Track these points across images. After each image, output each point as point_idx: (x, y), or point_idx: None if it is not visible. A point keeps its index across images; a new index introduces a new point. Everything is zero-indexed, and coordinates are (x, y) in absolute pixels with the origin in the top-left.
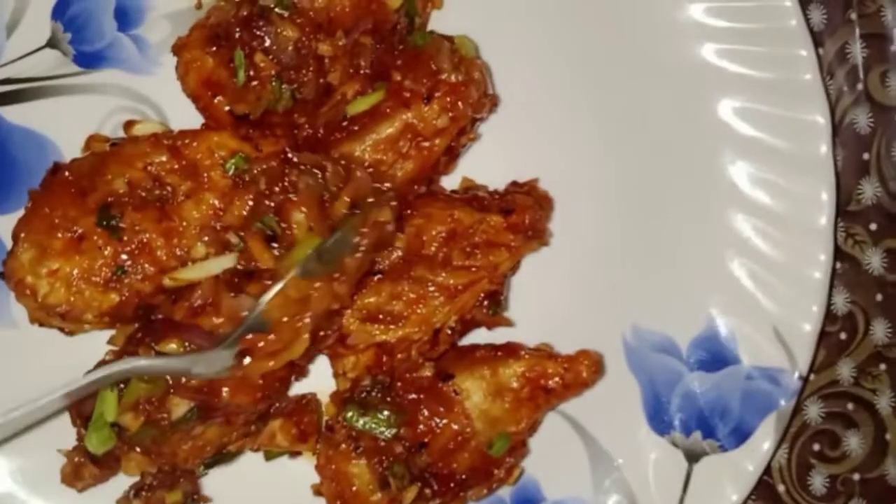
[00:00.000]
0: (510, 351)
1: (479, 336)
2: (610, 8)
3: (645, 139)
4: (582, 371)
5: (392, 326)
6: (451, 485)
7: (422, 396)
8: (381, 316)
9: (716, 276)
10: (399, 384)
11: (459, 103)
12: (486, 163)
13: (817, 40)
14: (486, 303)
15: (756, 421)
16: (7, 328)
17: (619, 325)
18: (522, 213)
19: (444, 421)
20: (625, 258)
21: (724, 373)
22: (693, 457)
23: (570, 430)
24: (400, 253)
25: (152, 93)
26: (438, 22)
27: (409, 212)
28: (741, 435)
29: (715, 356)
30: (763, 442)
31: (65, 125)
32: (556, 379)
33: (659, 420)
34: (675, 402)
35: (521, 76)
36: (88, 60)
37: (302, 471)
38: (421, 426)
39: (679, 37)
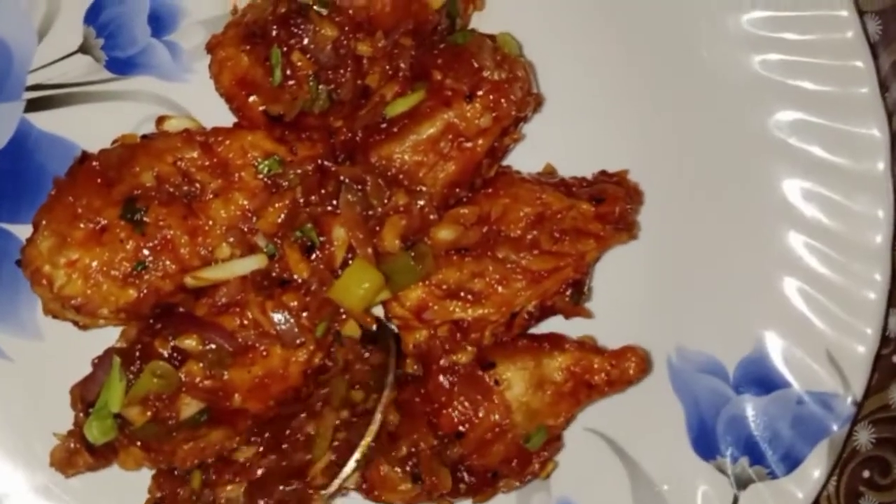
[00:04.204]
0: (556, 343)
1: None
2: (658, 14)
3: (693, 152)
4: (629, 368)
5: (471, 305)
6: (485, 477)
7: (458, 384)
8: (461, 293)
9: (766, 295)
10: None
11: (503, 101)
12: (530, 164)
13: (872, 52)
14: (568, 291)
15: (807, 447)
16: (33, 339)
17: (664, 345)
18: (613, 203)
19: (482, 411)
20: (672, 276)
21: (773, 396)
22: (740, 484)
23: (612, 453)
24: (485, 230)
25: (184, 100)
26: (479, 24)
27: (489, 190)
28: (791, 462)
29: (764, 379)
30: (814, 469)
31: (95, 133)
32: (602, 375)
33: (704, 444)
34: (721, 426)
35: (565, 77)
36: (121, 67)
37: None
38: (456, 415)
39: (732, 47)
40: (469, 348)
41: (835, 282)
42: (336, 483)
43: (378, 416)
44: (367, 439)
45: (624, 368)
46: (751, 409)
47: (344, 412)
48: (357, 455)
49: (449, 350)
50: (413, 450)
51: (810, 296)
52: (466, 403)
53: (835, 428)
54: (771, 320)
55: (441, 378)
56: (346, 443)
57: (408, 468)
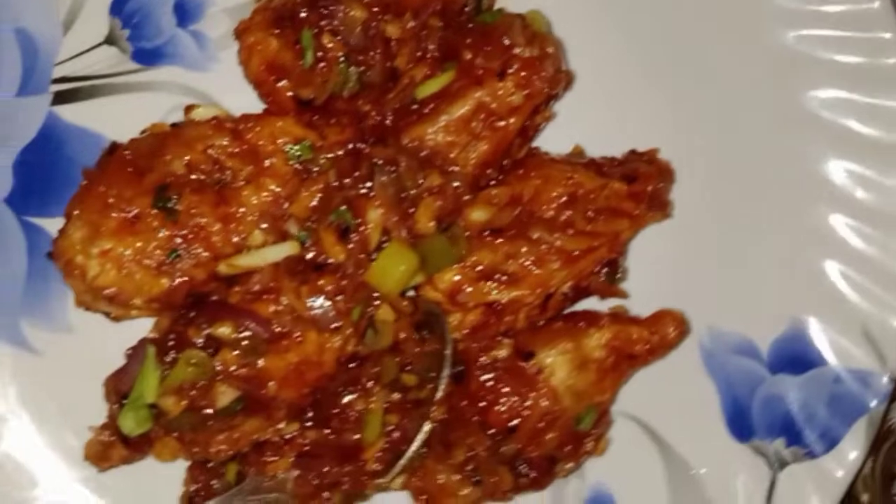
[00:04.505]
0: (591, 319)
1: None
2: None
3: (726, 130)
4: (669, 332)
5: (506, 286)
6: (544, 466)
7: (501, 379)
8: (495, 275)
9: (801, 274)
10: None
11: (535, 78)
12: (560, 142)
13: None
14: (603, 271)
15: (845, 426)
16: (62, 332)
17: (696, 325)
18: (645, 181)
19: (530, 402)
20: (705, 256)
21: (809, 375)
22: (777, 464)
23: (646, 437)
24: (517, 211)
25: (210, 89)
26: (505, 3)
27: (520, 171)
28: (829, 441)
29: (799, 358)
30: (852, 448)
31: (122, 124)
32: (643, 343)
33: (739, 426)
34: (756, 407)
35: (593, 55)
36: (147, 57)
37: None
38: (504, 411)
39: (765, 22)
40: (506, 341)
41: (871, 258)
42: (394, 472)
43: (437, 402)
44: (426, 428)
45: (664, 333)
46: (786, 388)
47: (395, 394)
48: (415, 445)
49: (486, 347)
50: (469, 454)
51: (846, 273)
52: (513, 397)
53: (872, 405)
54: (806, 298)
55: (483, 376)
56: (400, 430)
57: (466, 472)
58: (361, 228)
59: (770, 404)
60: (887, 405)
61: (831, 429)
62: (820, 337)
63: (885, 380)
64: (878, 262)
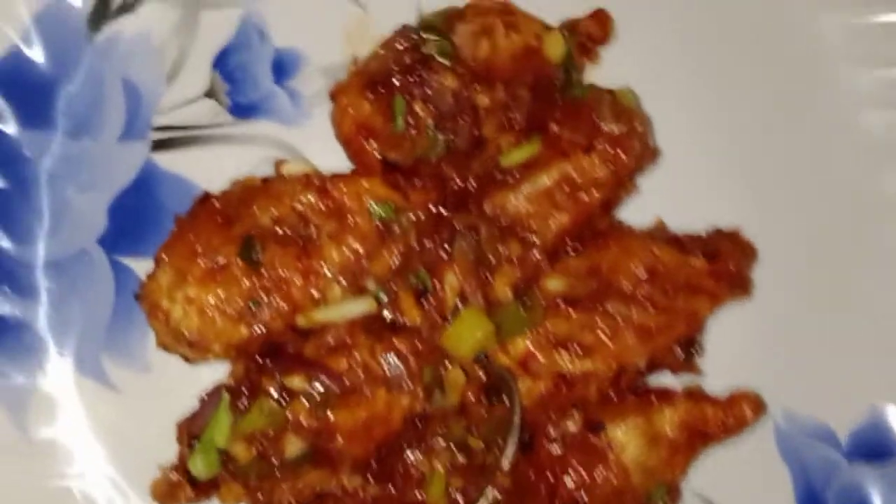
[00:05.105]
0: (664, 396)
1: None
2: (776, 71)
3: (808, 211)
4: (745, 413)
5: (579, 358)
6: None
7: (571, 450)
8: (569, 345)
9: (882, 360)
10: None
11: (621, 154)
12: (642, 215)
13: None
14: (680, 347)
15: None
16: (141, 371)
17: (771, 407)
18: (727, 260)
19: (599, 476)
20: (783, 337)
21: (889, 466)
22: None
23: None
24: (595, 282)
25: (301, 144)
26: (595, 78)
27: (600, 242)
28: None
29: (879, 448)
30: None
31: (214, 174)
32: (718, 424)
33: None
34: (832, 495)
35: (679, 131)
36: (243, 111)
37: None
38: (572, 482)
39: (850, 106)
40: (576, 415)
41: None
42: None
43: (503, 468)
44: (490, 494)
45: (740, 414)
46: (865, 478)
47: (460, 456)
48: None
49: (556, 418)
50: None
51: None
52: (582, 470)
53: None
54: (888, 386)
55: (551, 447)
56: (464, 494)
57: None
58: (439, 292)
59: (847, 494)
60: None
61: None
62: None
63: None
64: None
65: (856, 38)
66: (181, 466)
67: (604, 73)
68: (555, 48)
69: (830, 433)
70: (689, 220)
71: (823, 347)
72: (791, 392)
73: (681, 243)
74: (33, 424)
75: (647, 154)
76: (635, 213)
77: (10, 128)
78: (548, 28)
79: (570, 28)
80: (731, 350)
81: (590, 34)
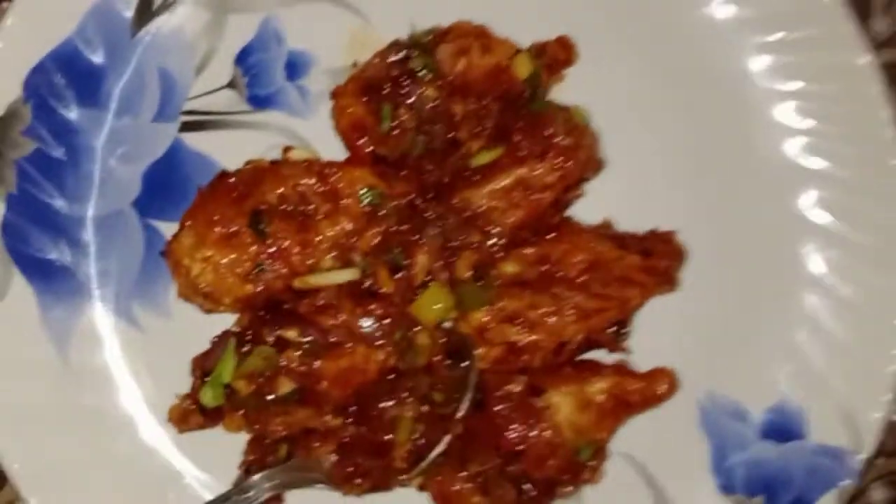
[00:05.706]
0: (595, 369)
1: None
2: (715, 103)
3: (734, 219)
4: (661, 386)
5: (526, 330)
6: (545, 486)
7: (513, 410)
8: (518, 319)
9: (789, 353)
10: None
11: (568, 164)
12: (594, 213)
13: None
14: (613, 329)
15: (816, 495)
16: (164, 317)
17: (695, 386)
18: (660, 258)
19: (536, 432)
20: (705, 328)
21: (790, 445)
22: None
23: (640, 479)
24: (544, 268)
25: (306, 134)
26: (558, 93)
27: (552, 235)
28: None
29: (783, 429)
30: None
31: (232, 154)
32: (638, 394)
33: (726, 480)
34: (742, 466)
35: (629, 143)
36: (259, 102)
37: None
38: (513, 437)
39: (773, 133)
40: (521, 378)
41: (854, 349)
42: (416, 471)
43: (458, 419)
44: (446, 439)
45: (656, 388)
46: (769, 454)
47: (425, 407)
48: (435, 452)
49: (504, 381)
50: (481, 468)
51: (831, 359)
52: (522, 426)
53: (843, 482)
54: (793, 376)
55: (498, 405)
56: (425, 437)
57: (477, 483)
58: (410, 268)
59: (755, 466)
60: (863, 482)
61: (804, 496)
62: (802, 412)
63: (858, 459)
64: (860, 354)
65: (775, 75)
66: (193, 396)
67: (566, 91)
68: (522, 68)
69: (745, 413)
70: (634, 221)
71: (738, 340)
72: (713, 375)
73: (621, 240)
74: (75, 354)
75: (591, 164)
76: (588, 212)
77: (70, 108)
78: (518, 50)
79: (538, 51)
80: (658, 335)
81: (556, 57)
